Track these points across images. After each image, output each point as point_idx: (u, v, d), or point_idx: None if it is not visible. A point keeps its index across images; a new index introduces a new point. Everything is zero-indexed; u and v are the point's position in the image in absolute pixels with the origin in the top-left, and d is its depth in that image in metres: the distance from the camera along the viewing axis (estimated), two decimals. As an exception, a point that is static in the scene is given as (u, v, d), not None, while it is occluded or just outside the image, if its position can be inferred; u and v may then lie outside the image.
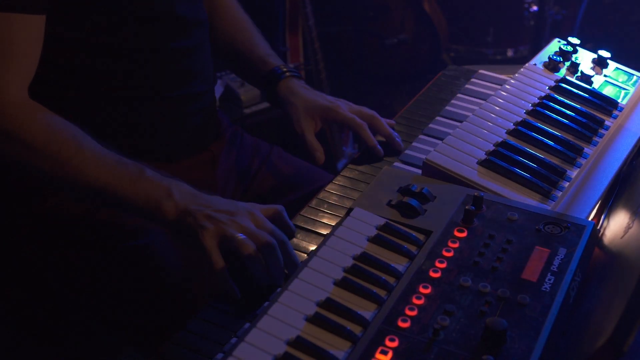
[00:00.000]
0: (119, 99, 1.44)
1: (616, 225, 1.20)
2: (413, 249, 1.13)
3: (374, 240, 1.14)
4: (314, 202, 1.38)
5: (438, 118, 1.64)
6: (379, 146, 1.51)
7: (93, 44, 1.37)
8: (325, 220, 1.33)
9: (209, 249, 1.13)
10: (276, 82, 1.61)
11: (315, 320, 0.99)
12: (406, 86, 3.57)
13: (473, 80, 1.79)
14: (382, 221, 1.17)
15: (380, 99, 3.55)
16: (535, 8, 3.42)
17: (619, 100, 1.56)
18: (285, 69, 1.63)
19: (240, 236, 1.13)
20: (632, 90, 1.61)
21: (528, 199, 1.27)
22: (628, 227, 1.11)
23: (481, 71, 1.83)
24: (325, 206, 1.37)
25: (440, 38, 3.54)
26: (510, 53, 3.64)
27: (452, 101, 1.70)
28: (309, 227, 1.30)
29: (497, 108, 1.49)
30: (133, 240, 1.43)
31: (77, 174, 1.23)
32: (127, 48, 1.40)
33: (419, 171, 1.38)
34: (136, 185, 1.22)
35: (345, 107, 1.56)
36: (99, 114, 1.43)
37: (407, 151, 1.52)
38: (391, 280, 1.07)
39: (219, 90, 2.93)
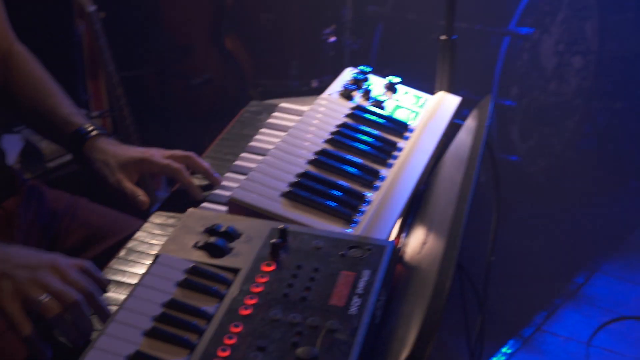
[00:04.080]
0: None
1: (415, 241, 1.26)
2: (222, 288, 1.13)
3: (183, 284, 1.13)
4: (122, 253, 1.35)
5: (243, 154, 1.65)
6: (198, 187, 1.50)
7: None
8: (135, 270, 1.30)
9: (10, 313, 1.08)
10: (82, 143, 1.56)
11: (125, 375, 0.96)
12: (217, 124, 3.58)
13: (275, 114, 1.82)
14: (189, 264, 1.17)
15: (193, 139, 3.53)
16: (333, 39, 3.55)
17: (410, 122, 1.65)
18: (90, 128, 1.57)
19: (43, 298, 1.08)
20: (421, 111, 1.71)
21: (332, 226, 1.30)
22: (424, 243, 1.17)
23: (282, 104, 1.87)
24: (135, 255, 1.34)
25: (246, 74, 3.59)
26: (315, 84, 3.75)
27: (256, 136, 1.72)
28: (119, 279, 1.27)
29: (297, 140, 1.53)
30: None
31: None
32: None
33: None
34: None
35: (159, 155, 1.54)
36: None
37: (214, 190, 1.52)
38: (202, 323, 1.06)
39: (18, 145, 2.81)
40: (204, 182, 1.53)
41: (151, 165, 1.52)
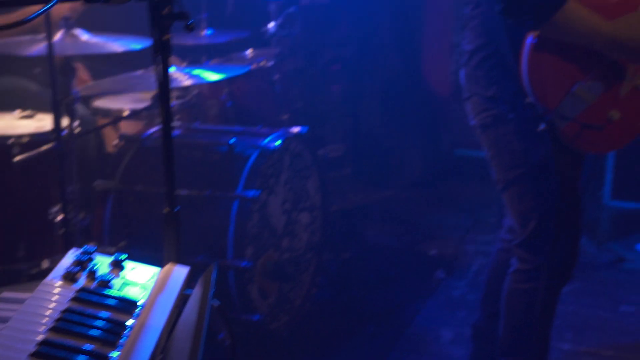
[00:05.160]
0: None
1: None
2: None
3: None
4: None
5: (-43, 355, 1.51)
6: None
7: None
8: None
9: None
10: None
11: None
12: None
13: (-5, 305, 1.71)
14: None
15: None
16: (61, 217, 3.45)
17: (140, 298, 1.62)
18: None
19: None
20: (150, 286, 1.69)
21: (58, 422, 1.22)
22: None
23: (2, 294, 1.76)
24: None
25: (-35, 263, 3.35)
26: (46, 264, 3.59)
27: (-27, 332, 1.59)
28: None
29: (16, 332, 1.44)
30: None
31: None
32: None
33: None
34: None
35: None
36: None
37: None
38: None
39: None
40: None
41: None
